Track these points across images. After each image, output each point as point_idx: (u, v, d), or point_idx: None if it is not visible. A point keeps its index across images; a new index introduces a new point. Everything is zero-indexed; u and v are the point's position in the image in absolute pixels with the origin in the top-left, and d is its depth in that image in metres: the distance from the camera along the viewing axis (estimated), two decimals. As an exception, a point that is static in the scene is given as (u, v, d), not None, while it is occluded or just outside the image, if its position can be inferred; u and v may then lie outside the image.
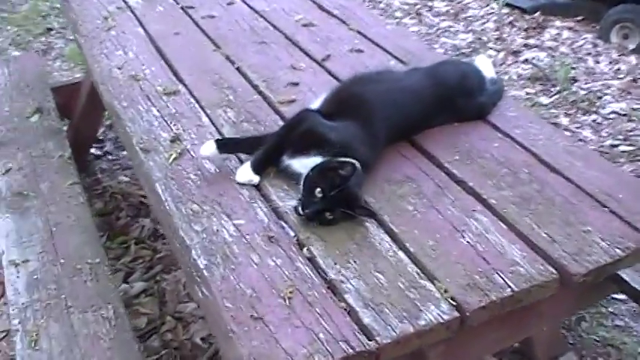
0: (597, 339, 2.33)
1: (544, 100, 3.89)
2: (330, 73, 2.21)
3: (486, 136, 1.90)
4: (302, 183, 1.58)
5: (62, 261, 2.04)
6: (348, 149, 1.62)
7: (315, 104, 1.85)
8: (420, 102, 1.88)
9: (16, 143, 2.60)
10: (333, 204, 1.51)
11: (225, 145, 1.75)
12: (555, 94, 3.94)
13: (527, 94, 3.97)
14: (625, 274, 1.81)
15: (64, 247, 2.10)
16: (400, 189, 1.66)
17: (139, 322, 2.43)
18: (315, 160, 1.61)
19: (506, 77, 4.11)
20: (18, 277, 1.99)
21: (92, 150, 3.40)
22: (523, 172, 1.74)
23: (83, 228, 2.18)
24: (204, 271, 1.41)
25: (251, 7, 2.72)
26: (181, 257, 1.53)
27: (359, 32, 2.50)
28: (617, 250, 1.49)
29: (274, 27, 2.54)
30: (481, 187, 1.68)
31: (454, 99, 1.93)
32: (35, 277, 1.99)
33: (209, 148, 1.72)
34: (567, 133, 3.58)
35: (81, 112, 3.12)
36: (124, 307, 1.91)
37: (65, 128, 3.00)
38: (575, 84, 4.02)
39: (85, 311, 1.88)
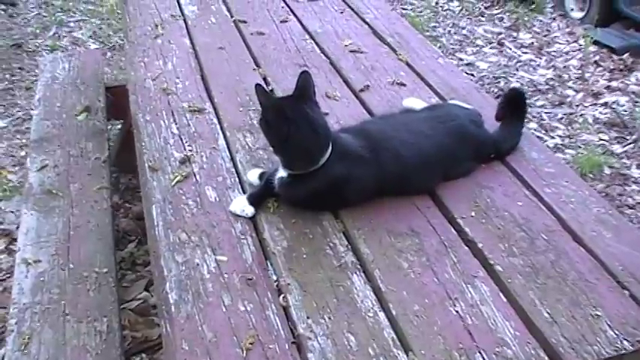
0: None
1: (617, 148, 3.64)
2: (364, 105, 2.12)
3: (512, 192, 1.75)
4: None
5: (71, 266, 2.05)
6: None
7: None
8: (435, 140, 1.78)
9: (58, 140, 2.64)
10: None
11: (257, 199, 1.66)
12: (630, 143, 3.68)
13: (600, 139, 3.73)
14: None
15: (77, 252, 2.10)
16: (400, 243, 1.55)
17: (152, 333, 2.42)
18: None
19: (580, 120, 3.88)
20: (26, 276, 2.01)
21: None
22: (541, 238, 1.59)
23: (100, 235, 2.18)
24: (172, 307, 1.36)
25: (303, 27, 2.66)
26: (156, 287, 1.49)
27: (407, 63, 2.39)
28: (625, 343, 1.32)
29: (321, 50, 2.47)
30: (490, 251, 1.54)
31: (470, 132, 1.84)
32: (42, 279, 2.01)
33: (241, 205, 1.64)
34: (635, 187, 3.36)
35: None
36: (119, 321, 1.89)
37: (109, 128, 3.04)
38: (655, 135, 3.75)
39: (80, 321, 1.87)
